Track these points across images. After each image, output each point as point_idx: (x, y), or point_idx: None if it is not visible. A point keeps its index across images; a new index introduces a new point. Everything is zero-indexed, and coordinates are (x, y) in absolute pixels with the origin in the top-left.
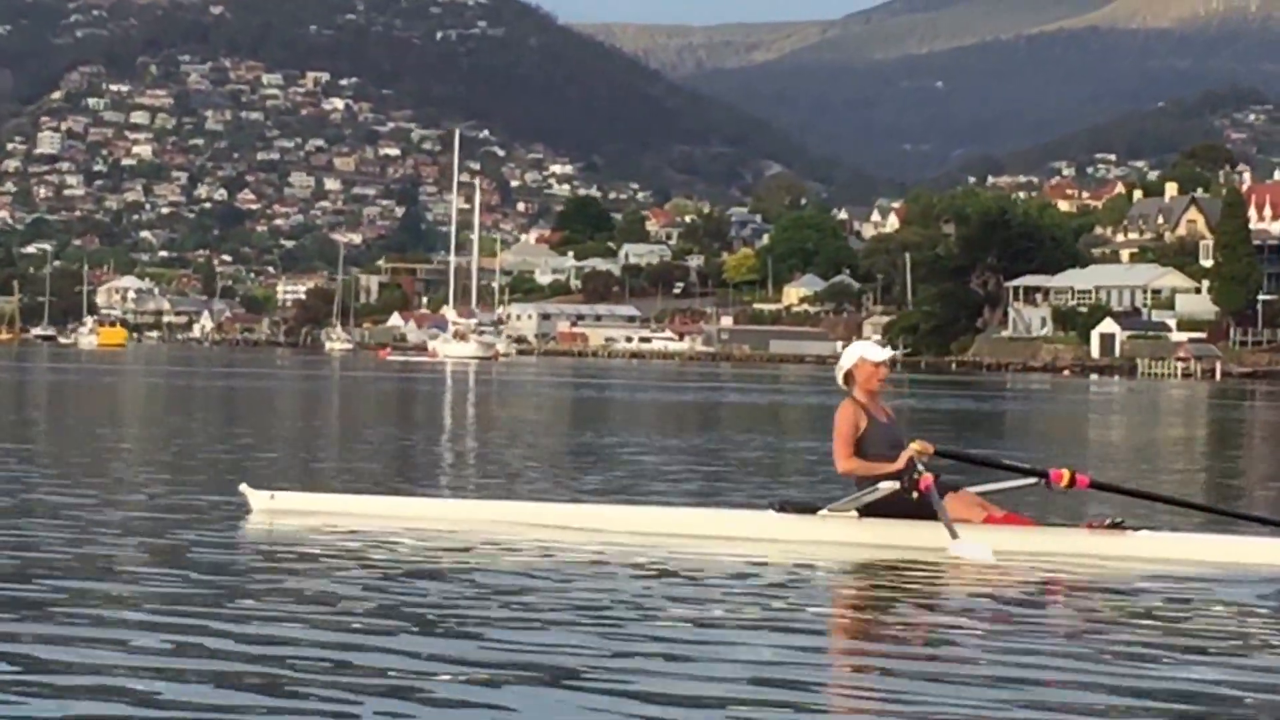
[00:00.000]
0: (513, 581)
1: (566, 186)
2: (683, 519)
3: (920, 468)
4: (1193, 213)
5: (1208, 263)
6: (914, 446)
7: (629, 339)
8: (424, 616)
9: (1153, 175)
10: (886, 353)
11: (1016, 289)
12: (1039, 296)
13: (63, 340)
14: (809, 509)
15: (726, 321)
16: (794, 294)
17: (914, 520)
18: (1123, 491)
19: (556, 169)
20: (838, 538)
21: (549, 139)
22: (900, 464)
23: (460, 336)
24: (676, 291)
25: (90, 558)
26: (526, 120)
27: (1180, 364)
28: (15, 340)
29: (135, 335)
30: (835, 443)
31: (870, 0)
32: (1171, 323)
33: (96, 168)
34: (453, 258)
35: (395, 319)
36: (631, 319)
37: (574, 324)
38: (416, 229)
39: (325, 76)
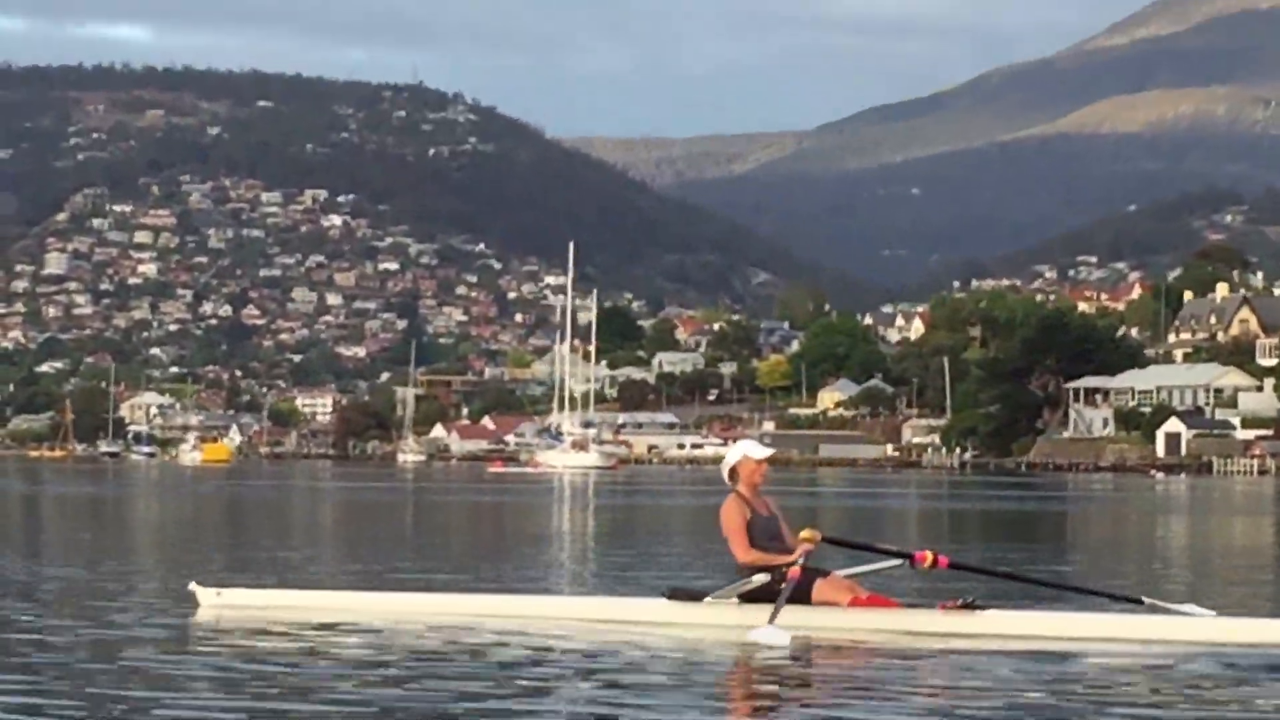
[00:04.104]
0: (419, 668)
1: (562, 297)
2: (581, 606)
3: (800, 560)
4: (1245, 312)
5: (1265, 361)
6: (804, 535)
7: (680, 446)
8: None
9: (1146, 276)
10: (768, 451)
11: (1077, 390)
12: (1099, 397)
13: (136, 457)
14: (697, 596)
15: (768, 426)
16: (829, 398)
17: (789, 606)
18: (979, 571)
19: (550, 280)
20: (720, 622)
21: (541, 251)
22: (796, 554)
23: (579, 446)
24: (711, 398)
25: None
26: (519, 233)
27: (1256, 460)
28: (69, 457)
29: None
30: (732, 536)
31: (841, 111)
32: (1236, 421)
33: (103, 287)
34: (558, 362)
35: (438, 430)
36: (671, 426)
37: (617, 432)
38: (418, 341)
39: (323, 194)
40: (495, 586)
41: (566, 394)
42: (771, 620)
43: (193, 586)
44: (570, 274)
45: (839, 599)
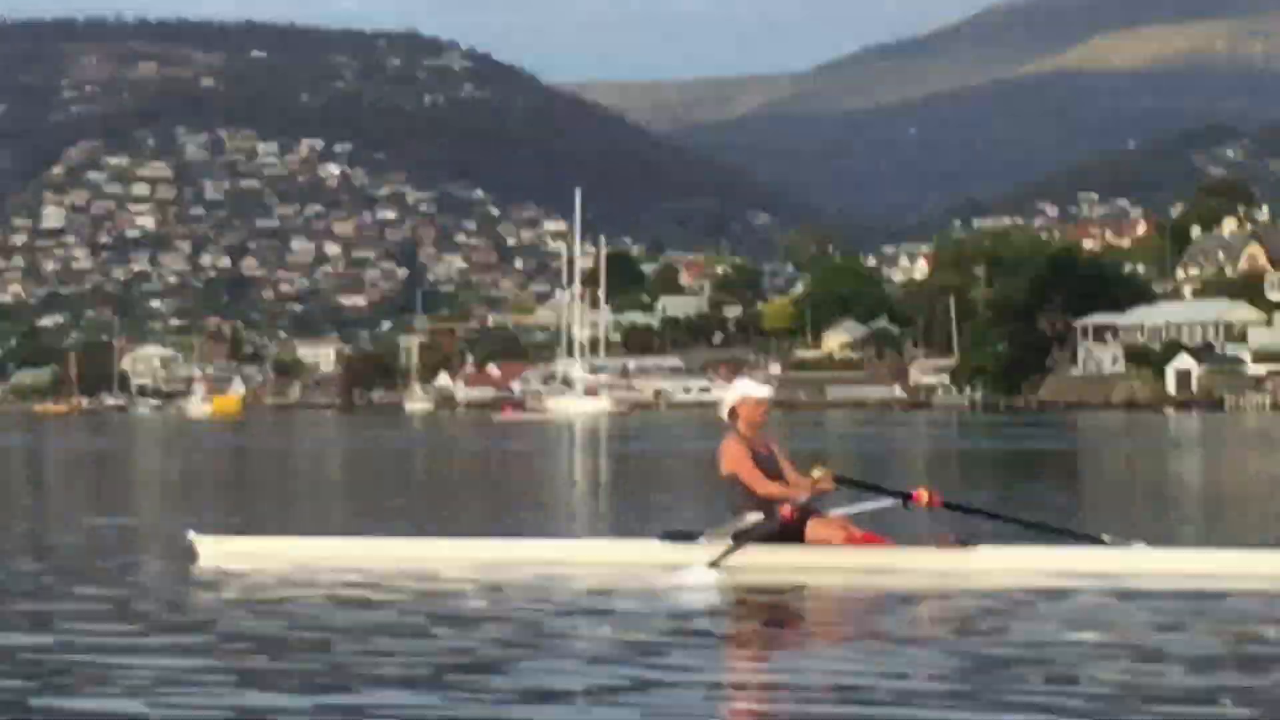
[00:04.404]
0: (420, 613)
1: (561, 243)
2: (578, 549)
3: (803, 499)
4: (1253, 247)
5: (1275, 295)
6: (816, 474)
7: (687, 390)
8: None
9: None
10: (768, 389)
11: (1085, 328)
12: (1108, 335)
13: (143, 410)
14: (690, 537)
15: (774, 369)
16: (834, 340)
17: (780, 545)
18: (970, 510)
19: (550, 226)
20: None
21: (539, 197)
22: (809, 491)
23: (591, 392)
24: (716, 342)
25: None
26: (518, 179)
27: (1267, 395)
28: (75, 411)
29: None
30: (743, 473)
31: (837, 50)
32: (1246, 356)
33: (102, 240)
34: (572, 309)
35: (443, 378)
36: (676, 370)
37: (625, 378)
38: (418, 290)
39: (319, 143)
40: (497, 530)
41: (575, 340)
42: (716, 563)
43: (192, 536)
44: (578, 220)
45: (833, 536)
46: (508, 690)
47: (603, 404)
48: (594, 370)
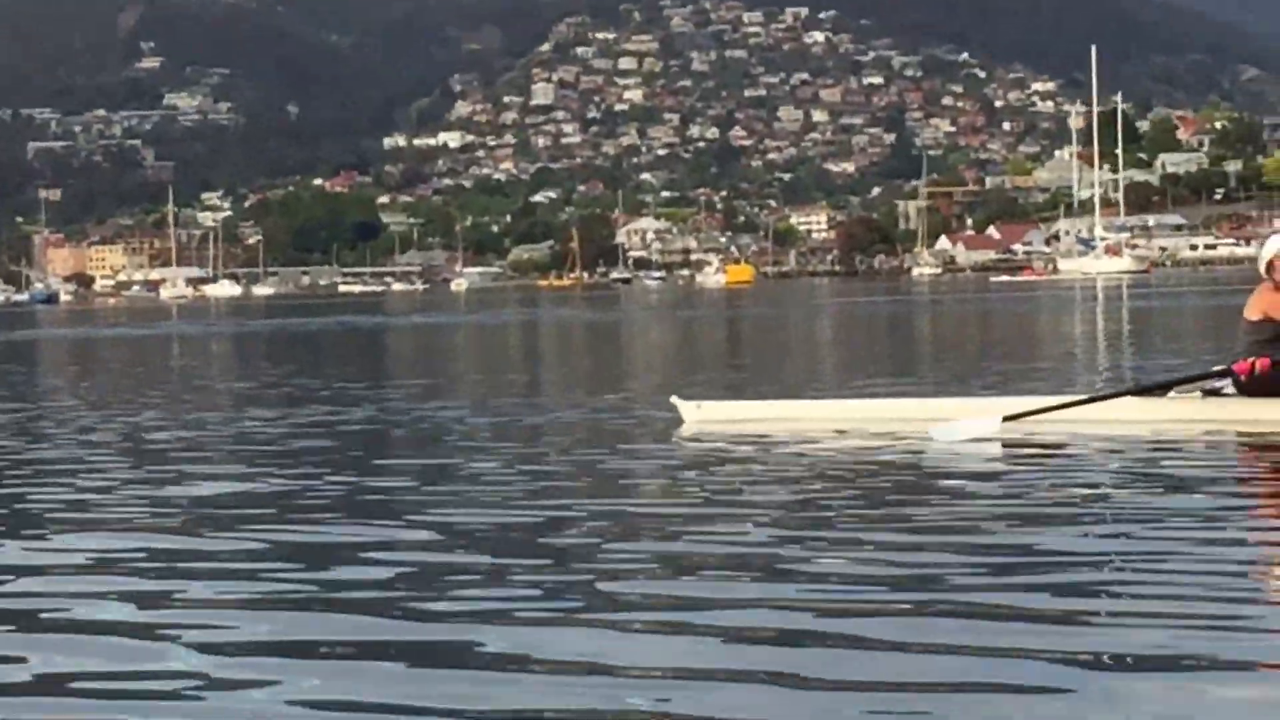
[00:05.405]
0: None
1: (1050, 104)
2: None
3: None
4: None
5: None
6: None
7: (1193, 247)
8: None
9: None
10: None
11: None
12: None
13: (649, 282)
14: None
15: (1279, 224)
16: None
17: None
18: None
19: (1038, 86)
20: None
21: (1027, 58)
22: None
23: (1113, 251)
24: (1217, 198)
25: None
26: (1004, 40)
27: None
28: (578, 286)
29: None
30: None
31: None
32: None
33: (590, 115)
34: (1076, 176)
35: (943, 242)
36: (1179, 228)
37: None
38: (907, 154)
39: (804, 11)
40: (957, 390)
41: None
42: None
43: (674, 400)
44: (1094, 81)
45: None
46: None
47: (1124, 262)
48: (1120, 229)
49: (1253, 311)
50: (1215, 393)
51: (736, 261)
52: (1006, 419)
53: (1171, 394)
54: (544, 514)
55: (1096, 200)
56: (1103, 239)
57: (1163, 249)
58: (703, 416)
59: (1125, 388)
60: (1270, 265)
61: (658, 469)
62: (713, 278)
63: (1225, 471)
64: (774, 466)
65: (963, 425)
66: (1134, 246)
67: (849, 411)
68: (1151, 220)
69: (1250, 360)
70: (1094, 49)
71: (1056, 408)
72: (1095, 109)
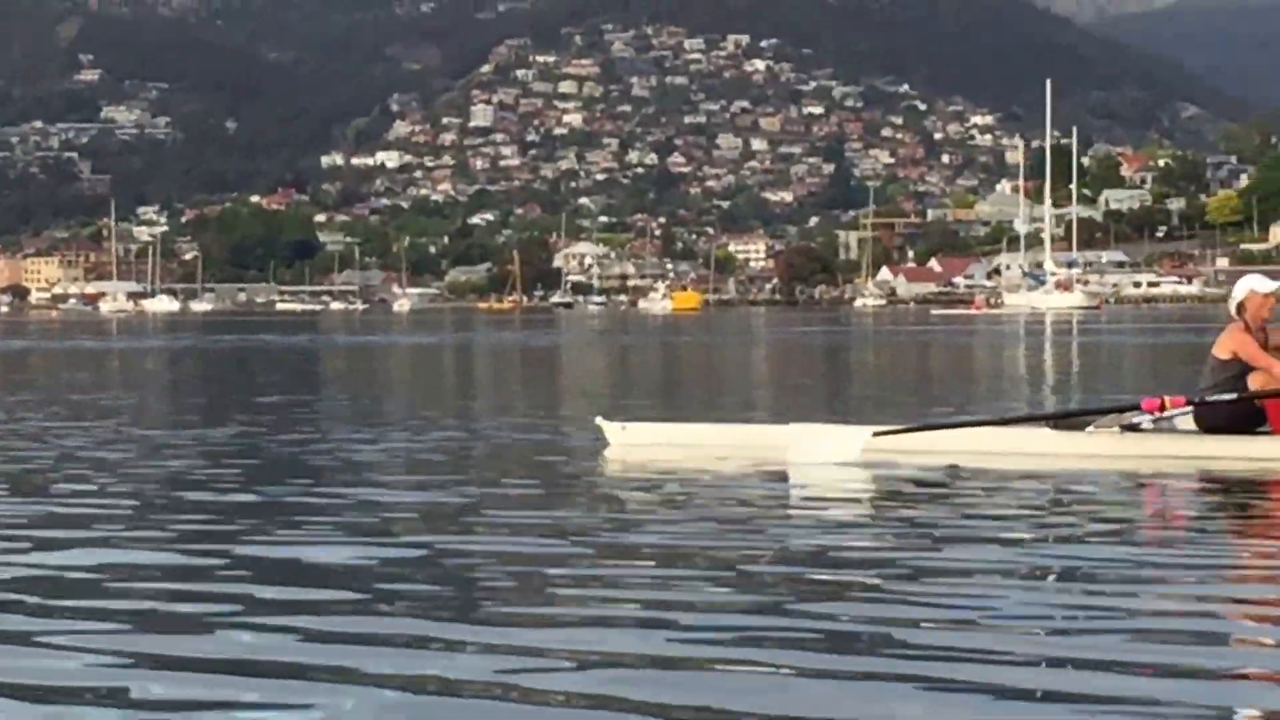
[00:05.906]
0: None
1: (989, 137)
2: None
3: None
4: None
5: None
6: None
7: (1136, 284)
8: None
9: None
10: (1275, 285)
11: None
12: None
13: (590, 307)
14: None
15: (1221, 263)
16: None
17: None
18: None
19: (978, 120)
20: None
21: (967, 91)
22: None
23: (1063, 286)
24: (1160, 235)
25: None
26: (945, 73)
27: None
28: (517, 309)
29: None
30: (1258, 360)
31: None
32: None
33: (530, 138)
34: (1022, 211)
35: (884, 274)
36: (1121, 265)
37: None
38: (845, 185)
39: (745, 39)
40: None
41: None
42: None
43: (599, 421)
44: (1049, 114)
45: None
46: None
47: (1075, 298)
48: (1069, 264)
49: (1222, 350)
50: (1134, 427)
51: (683, 288)
52: (876, 434)
53: (1090, 429)
54: (451, 534)
55: (1048, 235)
56: (1053, 274)
57: (1114, 285)
58: (627, 440)
59: (1041, 412)
60: (1240, 306)
61: (579, 489)
62: (659, 303)
63: (1128, 509)
64: (684, 490)
65: (827, 445)
66: (1085, 282)
67: (748, 436)
68: (1104, 256)
69: (1161, 397)
70: (1049, 82)
71: (921, 429)
72: (1049, 143)
